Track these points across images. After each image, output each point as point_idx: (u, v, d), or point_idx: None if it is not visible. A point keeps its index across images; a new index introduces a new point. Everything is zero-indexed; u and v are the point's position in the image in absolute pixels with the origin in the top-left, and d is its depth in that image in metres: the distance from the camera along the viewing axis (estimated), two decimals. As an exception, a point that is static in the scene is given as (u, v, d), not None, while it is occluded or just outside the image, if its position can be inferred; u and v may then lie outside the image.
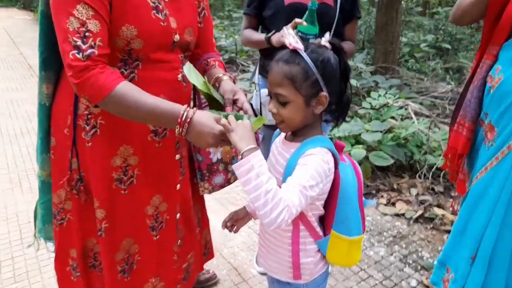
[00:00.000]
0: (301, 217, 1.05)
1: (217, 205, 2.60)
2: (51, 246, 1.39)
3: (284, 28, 1.51)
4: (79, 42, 0.96)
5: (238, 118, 1.05)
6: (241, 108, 1.17)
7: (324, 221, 1.10)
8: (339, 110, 1.05)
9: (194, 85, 1.14)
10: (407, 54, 6.25)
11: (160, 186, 1.25)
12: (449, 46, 6.27)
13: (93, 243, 1.26)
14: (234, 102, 1.17)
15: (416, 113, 3.63)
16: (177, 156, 1.27)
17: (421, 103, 4.23)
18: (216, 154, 1.38)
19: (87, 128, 1.12)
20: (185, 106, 1.03)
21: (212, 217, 2.36)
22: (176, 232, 1.35)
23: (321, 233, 1.08)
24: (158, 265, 1.33)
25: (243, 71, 5.94)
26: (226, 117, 1.04)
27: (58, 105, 1.19)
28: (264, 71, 1.84)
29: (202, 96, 1.30)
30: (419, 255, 2.21)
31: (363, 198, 1.10)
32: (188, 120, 1.00)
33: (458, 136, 1.55)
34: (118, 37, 1.04)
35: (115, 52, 1.06)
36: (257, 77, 1.89)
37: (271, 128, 1.75)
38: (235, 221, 1.22)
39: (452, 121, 1.63)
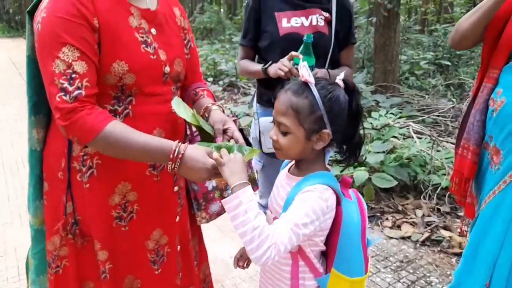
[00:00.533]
0: (300, 252, 1.03)
1: (218, 234, 2.55)
2: None
3: (282, 60, 1.52)
4: (66, 84, 0.96)
5: (229, 148, 1.04)
6: (231, 137, 1.17)
7: (327, 257, 1.07)
8: (349, 150, 1.03)
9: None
10: (407, 72, 6.27)
11: (160, 219, 1.23)
12: (449, 63, 6.28)
13: (90, 286, 1.21)
14: (224, 131, 1.17)
15: (418, 132, 3.60)
16: (176, 188, 1.26)
17: (423, 121, 4.21)
18: (211, 182, 1.37)
19: (84, 169, 1.11)
20: (177, 141, 1.02)
21: (214, 246, 2.32)
22: (177, 265, 1.32)
23: (321, 270, 1.05)
24: None
25: (245, 94, 5.98)
26: (218, 148, 1.04)
27: (50, 149, 1.16)
28: (262, 100, 1.84)
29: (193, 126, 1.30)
30: (427, 280, 2.14)
31: (367, 238, 1.07)
32: (180, 156, 0.99)
33: (463, 160, 1.53)
34: (109, 74, 1.04)
35: (107, 89, 1.05)
36: (255, 106, 1.88)
37: (271, 156, 1.73)
38: (246, 259, 1.20)
39: (457, 145, 1.61)
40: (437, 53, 6.65)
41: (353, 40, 1.80)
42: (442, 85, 5.65)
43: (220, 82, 6.48)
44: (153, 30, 1.13)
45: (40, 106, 1.15)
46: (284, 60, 1.49)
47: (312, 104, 0.95)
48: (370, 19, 6.38)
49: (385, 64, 5.06)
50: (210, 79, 6.53)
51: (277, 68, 1.50)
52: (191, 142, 1.32)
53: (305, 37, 1.45)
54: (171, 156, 0.99)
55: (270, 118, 1.72)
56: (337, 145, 1.02)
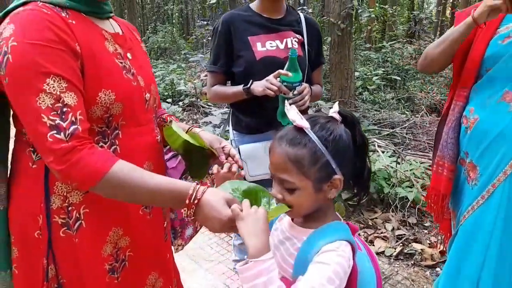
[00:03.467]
0: None
1: (191, 264, 2.43)
2: None
3: (268, 78, 1.45)
4: (58, 120, 0.83)
5: (256, 194, 0.91)
6: (229, 155, 1.13)
7: None
8: (359, 186, 0.93)
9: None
10: (360, 87, 6.54)
11: (155, 260, 1.12)
12: (398, 78, 6.65)
13: None
14: (222, 149, 1.13)
15: (379, 146, 3.72)
16: (165, 223, 1.17)
17: (379, 133, 4.37)
18: None
19: (70, 222, 0.96)
20: (194, 183, 0.91)
21: (187, 278, 2.19)
22: None
23: None
24: None
25: (205, 113, 5.90)
26: (247, 194, 0.91)
27: (19, 207, 0.98)
28: (239, 126, 1.75)
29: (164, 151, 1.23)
30: (405, 296, 2.16)
31: None
32: (196, 201, 0.88)
33: (439, 177, 1.56)
34: (96, 105, 0.92)
35: (92, 124, 0.93)
36: (231, 133, 1.81)
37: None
38: None
39: (433, 162, 1.64)
40: (386, 69, 7.02)
41: (323, 60, 1.84)
42: (393, 99, 5.95)
43: (180, 103, 6.35)
44: (129, 55, 1.05)
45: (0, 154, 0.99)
46: (271, 79, 1.46)
47: (313, 151, 0.83)
48: (325, 38, 6.60)
49: (341, 81, 5.23)
50: (169, 99, 6.38)
51: (264, 87, 1.46)
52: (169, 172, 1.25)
53: (290, 53, 1.43)
54: (187, 202, 0.88)
55: (251, 145, 1.66)
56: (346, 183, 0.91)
